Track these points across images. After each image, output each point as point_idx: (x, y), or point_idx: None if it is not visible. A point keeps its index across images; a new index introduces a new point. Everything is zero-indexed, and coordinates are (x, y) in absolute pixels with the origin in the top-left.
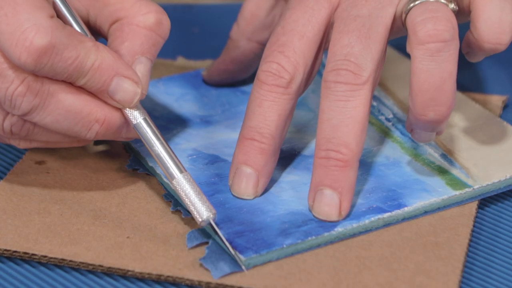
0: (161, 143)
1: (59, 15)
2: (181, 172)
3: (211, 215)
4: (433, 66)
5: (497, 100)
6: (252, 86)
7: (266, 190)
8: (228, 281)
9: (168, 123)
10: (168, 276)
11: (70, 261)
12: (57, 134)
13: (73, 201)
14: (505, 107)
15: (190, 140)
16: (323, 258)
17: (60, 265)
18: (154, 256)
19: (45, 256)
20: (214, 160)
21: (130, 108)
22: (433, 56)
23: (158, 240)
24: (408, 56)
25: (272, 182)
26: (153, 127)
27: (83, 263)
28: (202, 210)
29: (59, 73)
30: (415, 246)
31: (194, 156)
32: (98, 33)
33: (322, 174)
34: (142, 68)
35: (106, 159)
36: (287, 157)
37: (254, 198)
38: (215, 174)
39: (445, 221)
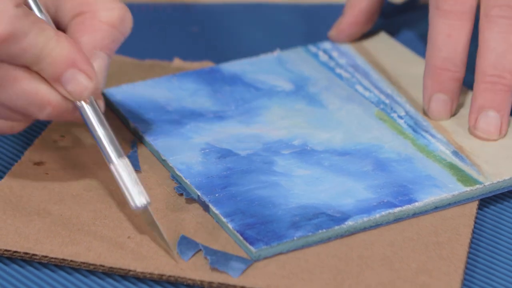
0: (103, 127)
1: (25, 3)
2: (119, 157)
3: (146, 202)
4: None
5: None
6: (430, 16)
7: (277, 184)
8: (230, 280)
9: (182, 117)
10: (170, 276)
11: (71, 261)
12: (10, 110)
13: (72, 201)
14: None
15: (203, 135)
16: (325, 258)
17: (61, 265)
18: (155, 256)
19: (46, 256)
20: (226, 154)
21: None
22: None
23: (159, 240)
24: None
25: (283, 176)
26: (97, 111)
27: (84, 263)
28: (136, 196)
29: (15, 59)
30: (416, 246)
31: (207, 150)
32: (56, 26)
33: (488, 97)
34: (100, 62)
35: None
36: (299, 152)
37: (448, 118)
38: (227, 168)
39: (446, 221)
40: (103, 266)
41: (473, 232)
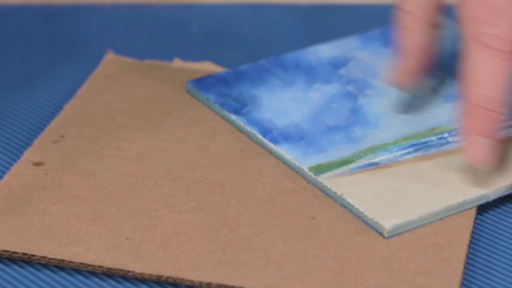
0: None
1: None
2: None
3: None
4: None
5: None
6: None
7: None
8: (229, 281)
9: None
10: (168, 277)
11: (70, 261)
12: None
13: (71, 202)
14: None
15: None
16: (324, 259)
17: (60, 266)
18: (154, 257)
19: (45, 257)
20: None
21: None
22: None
23: (158, 241)
24: None
25: None
26: None
27: (82, 263)
28: None
29: None
30: (415, 247)
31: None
32: None
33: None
34: None
35: (104, 160)
36: None
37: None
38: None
39: (445, 222)
40: (102, 267)
41: (472, 233)
